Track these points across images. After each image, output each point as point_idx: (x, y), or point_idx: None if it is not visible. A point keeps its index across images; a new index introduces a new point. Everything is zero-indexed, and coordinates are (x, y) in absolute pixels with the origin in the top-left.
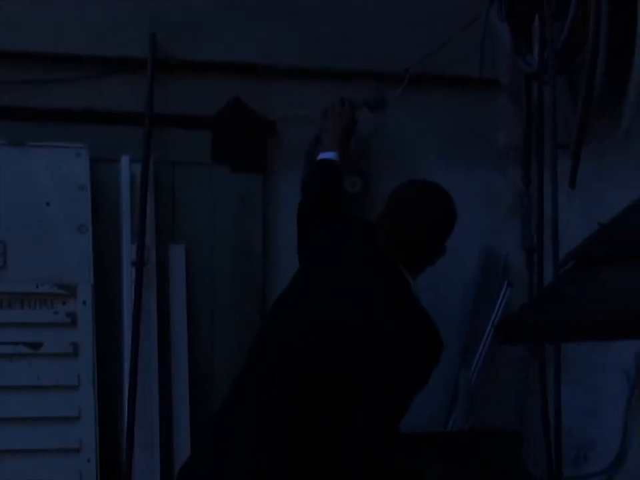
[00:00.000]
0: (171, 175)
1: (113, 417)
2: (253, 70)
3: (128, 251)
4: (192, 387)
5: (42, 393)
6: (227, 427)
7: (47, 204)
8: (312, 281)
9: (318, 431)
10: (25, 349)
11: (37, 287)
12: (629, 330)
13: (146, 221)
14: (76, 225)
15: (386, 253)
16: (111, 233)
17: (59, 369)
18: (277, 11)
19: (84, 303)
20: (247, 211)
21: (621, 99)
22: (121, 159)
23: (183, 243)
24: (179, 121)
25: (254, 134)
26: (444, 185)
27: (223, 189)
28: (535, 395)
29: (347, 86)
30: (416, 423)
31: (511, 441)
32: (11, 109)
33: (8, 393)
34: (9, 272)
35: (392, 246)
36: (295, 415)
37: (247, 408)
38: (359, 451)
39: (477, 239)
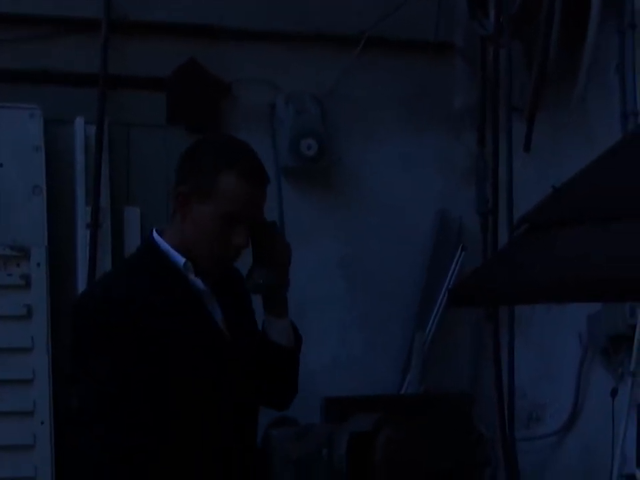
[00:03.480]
0: (125, 136)
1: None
2: (210, 32)
3: (82, 213)
4: None
5: None
6: None
7: (0, 165)
8: None
9: None
10: None
11: None
12: (578, 294)
13: (100, 183)
14: (30, 186)
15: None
16: (65, 195)
17: (13, 331)
18: None
19: (38, 265)
20: None
21: (576, 64)
22: (75, 120)
23: (138, 205)
24: (134, 83)
25: (209, 95)
26: (399, 148)
27: (178, 150)
28: (489, 358)
29: (303, 49)
30: (370, 386)
31: (462, 404)
32: None
33: None
34: None
35: None
36: None
37: None
38: None
39: (431, 202)
